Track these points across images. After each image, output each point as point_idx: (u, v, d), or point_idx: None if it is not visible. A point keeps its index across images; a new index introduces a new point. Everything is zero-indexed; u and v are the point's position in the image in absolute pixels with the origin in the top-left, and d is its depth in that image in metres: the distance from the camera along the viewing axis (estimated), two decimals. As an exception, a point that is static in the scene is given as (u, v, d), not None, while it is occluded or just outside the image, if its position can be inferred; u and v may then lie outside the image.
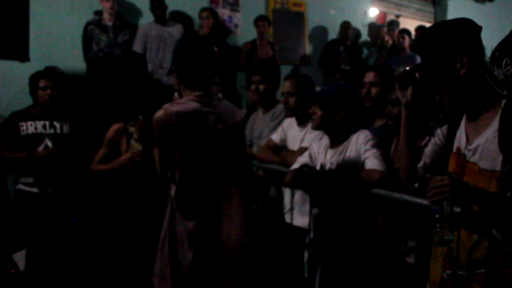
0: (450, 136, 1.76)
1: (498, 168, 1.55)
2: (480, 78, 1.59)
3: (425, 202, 1.84)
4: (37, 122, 3.38)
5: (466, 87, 1.62)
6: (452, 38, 1.61)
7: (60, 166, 3.29)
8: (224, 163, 2.11)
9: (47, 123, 3.40)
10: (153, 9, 5.06)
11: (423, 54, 1.70)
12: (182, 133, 1.99)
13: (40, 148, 3.32)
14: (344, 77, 4.64)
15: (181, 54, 2.11)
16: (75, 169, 3.34)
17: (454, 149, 1.73)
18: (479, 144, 1.60)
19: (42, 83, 3.38)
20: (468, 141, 1.66)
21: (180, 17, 5.43)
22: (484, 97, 1.61)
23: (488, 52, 1.60)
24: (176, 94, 2.17)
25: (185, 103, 2.06)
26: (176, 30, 5.09)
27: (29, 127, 3.36)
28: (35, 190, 3.29)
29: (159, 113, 1.99)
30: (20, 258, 2.62)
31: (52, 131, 3.40)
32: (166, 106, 2.01)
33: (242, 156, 2.24)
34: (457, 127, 1.73)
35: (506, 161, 1.52)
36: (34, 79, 3.42)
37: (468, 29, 1.63)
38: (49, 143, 3.35)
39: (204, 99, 2.09)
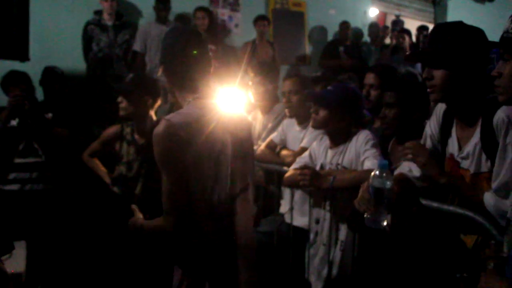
0: (443, 143, 1.78)
1: (485, 169, 1.59)
2: (480, 84, 1.64)
3: (425, 202, 1.85)
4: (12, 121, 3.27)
5: (467, 88, 1.64)
6: (476, 39, 1.63)
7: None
8: (234, 174, 1.77)
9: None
10: (158, 9, 5.06)
11: (438, 47, 1.69)
12: (189, 148, 1.61)
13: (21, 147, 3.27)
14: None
15: (170, 50, 1.71)
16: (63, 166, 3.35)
17: (447, 155, 1.75)
18: (469, 150, 1.64)
19: (11, 92, 3.24)
20: (460, 149, 1.69)
21: (180, 17, 5.44)
22: (477, 104, 1.64)
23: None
24: (170, 96, 1.86)
25: (186, 112, 1.68)
26: (176, 31, 5.09)
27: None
28: (14, 187, 3.26)
29: (160, 127, 1.60)
30: (20, 258, 2.62)
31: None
32: (166, 117, 1.63)
33: (252, 161, 1.93)
34: (449, 133, 1.75)
35: (490, 160, 1.57)
36: (4, 85, 3.33)
37: (486, 38, 1.65)
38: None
39: (205, 104, 1.72)
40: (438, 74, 1.65)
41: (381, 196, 1.61)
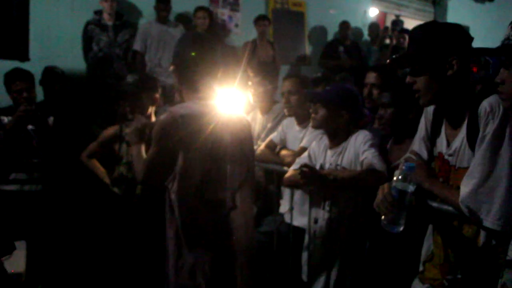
0: (433, 142, 1.77)
1: (468, 164, 1.57)
2: (463, 84, 1.61)
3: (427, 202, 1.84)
4: None
5: (449, 89, 1.62)
6: (447, 38, 1.60)
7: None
8: (232, 170, 1.90)
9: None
10: (158, 9, 5.07)
11: (413, 51, 1.66)
12: (186, 137, 1.80)
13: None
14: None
15: (181, 53, 1.93)
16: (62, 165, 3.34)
17: (436, 154, 1.74)
18: (456, 146, 1.63)
19: (15, 87, 3.23)
20: (448, 146, 1.68)
21: (180, 17, 5.44)
22: (464, 104, 1.62)
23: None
24: (177, 94, 2.02)
25: (190, 106, 1.87)
26: (177, 30, 5.09)
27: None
28: (14, 188, 3.25)
29: (164, 116, 1.83)
30: (20, 258, 2.62)
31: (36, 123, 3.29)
32: (171, 109, 1.85)
33: (252, 162, 2.05)
34: (438, 132, 1.74)
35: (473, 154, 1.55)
36: (7, 81, 3.29)
37: (462, 34, 1.62)
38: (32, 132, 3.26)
39: (208, 104, 1.89)
40: (419, 79, 1.63)
41: (403, 200, 1.58)
